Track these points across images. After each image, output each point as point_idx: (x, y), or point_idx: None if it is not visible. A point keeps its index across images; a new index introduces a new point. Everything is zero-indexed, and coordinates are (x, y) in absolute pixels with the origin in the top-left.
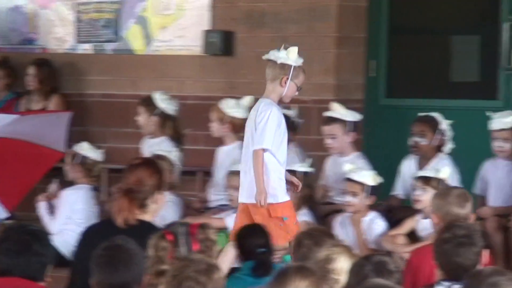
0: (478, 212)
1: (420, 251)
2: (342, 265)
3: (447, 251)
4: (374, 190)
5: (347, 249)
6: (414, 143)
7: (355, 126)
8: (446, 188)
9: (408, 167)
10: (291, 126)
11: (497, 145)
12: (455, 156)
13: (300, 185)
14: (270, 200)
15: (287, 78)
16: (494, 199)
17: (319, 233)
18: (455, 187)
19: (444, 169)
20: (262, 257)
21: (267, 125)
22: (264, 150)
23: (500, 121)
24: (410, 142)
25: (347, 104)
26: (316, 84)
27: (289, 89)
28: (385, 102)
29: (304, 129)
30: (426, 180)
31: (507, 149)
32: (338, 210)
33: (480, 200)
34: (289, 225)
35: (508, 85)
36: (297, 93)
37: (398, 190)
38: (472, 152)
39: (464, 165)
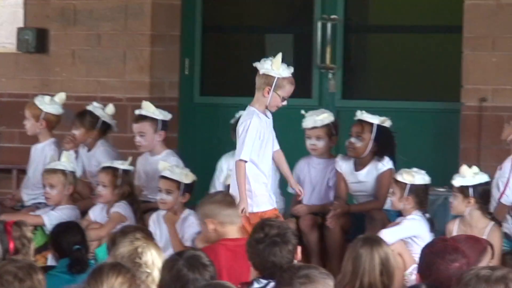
0: (293, 210)
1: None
2: (151, 258)
3: (261, 251)
4: (188, 188)
5: (155, 244)
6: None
7: (164, 125)
8: (211, 193)
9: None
10: (103, 125)
11: (310, 143)
12: None
13: (303, 194)
14: (253, 209)
15: (269, 89)
16: (309, 197)
17: (133, 230)
18: (219, 192)
19: None
20: (78, 254)
21: (246, 136)
22: (244, 161)
23: (313, 119)
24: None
25: (162, 102)
26: (131, 82)
27: (272, 99)
28: (199, 100)
29: (120, 127)
30: None
31: (320, 147)
32: (155, 208)
33: (294, 199)
34: None
35: (321, 83)
36: (284, 103)
37: (216, 187)
38: (287, 150)
39: None
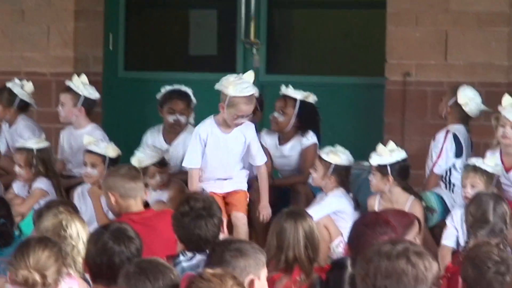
0: None
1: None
2: (75, 231)
3: (187, 224)
4: (113, 162)
5: (79, 216)
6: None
7: (88, 103)
8: (117, 166)
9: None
10: (22, 102)
11: None
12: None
13: (265, 220)
14: None
15: (223, 106)
16: None
17: (57, 204)
18: (124, 165)
19: None
20: (2, 228)
21: (190, 145)
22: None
23: None
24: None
25: (86, 77)
26: (55, 57)
27: (227, 116)
28: (123, 74)
29: (43, 102)
30: None
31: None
32: (80, 182)
33: None
34: None
35: (245, 58)
36: (241, 121)
37: None
38: None
39: None
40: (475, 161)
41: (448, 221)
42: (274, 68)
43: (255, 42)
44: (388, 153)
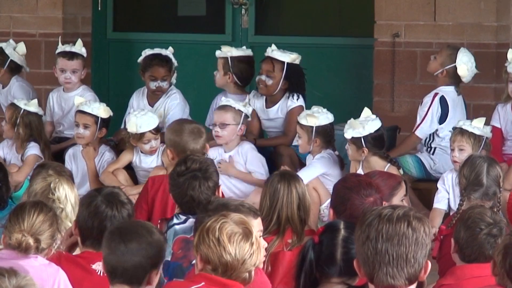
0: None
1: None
2: (64, 193)
3: (181, 183)
4: (105, 123)
5: (67, 179)
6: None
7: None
8: (179, 123)
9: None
10: (13, 63)
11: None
12: (185, 89)
13: None
14: None
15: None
16: None
17: (45, 166)
18: (189, 121)
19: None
20: None
21: None
22: None
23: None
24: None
25: (75, 37)
26: (43, 17)
27: None
28: (112, 35)
29: (33, 63)
30: None
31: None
32: (73, 144)
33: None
34: None
35: (234, 19)
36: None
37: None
38: (201, 85)
39: (193, 98)
40: (463, 123)
41: (439, 184)
42: (263, 29)
43: (243, 2)
44: (360, 126)
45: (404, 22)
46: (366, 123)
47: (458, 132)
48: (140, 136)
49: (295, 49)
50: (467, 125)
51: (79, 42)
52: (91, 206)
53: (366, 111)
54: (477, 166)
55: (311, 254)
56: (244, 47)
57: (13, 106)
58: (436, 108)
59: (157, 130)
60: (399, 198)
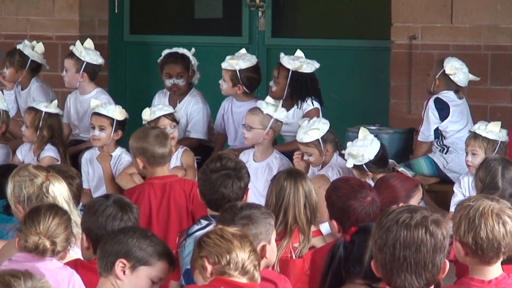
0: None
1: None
2: (57, 192)
3: (214, 180)
4: (120, 125)
5: (55, 176)
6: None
7: (91, 68)
8: (142, 131)
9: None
10: (33, 64)
11: None
12: (201, 91)
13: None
14: None
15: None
16: (233, 140)
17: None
18: (151, 127)
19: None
20: None
21: None
22: None
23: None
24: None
25: (92, 40)
26: (60, 20)
27: None
28: (129, 38)
29: (49, 66)
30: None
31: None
32: (89, 147)
33: (219, 142)
34: None
35: (251, 21)
36: None
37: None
38: (217, 87)
39: (209, 100)
40: (478, 127)
41: (455, 188)
42: (280, 31)
43: (260, 5)
44: (359, 154)
45: (421, 24)
46: (365, 149)
47: (472, 136)
48: (155, 123)
49: (311, 52)
50: (482, 130)
51: (78, 43)
52: (98, 213)
53: (363, 131)
54: (492, 169)
55: (341, 251)
56: (248, 55)
57: (33, 110)
58: (431, 110)
59: (173, 118)
60: (416, 200)
